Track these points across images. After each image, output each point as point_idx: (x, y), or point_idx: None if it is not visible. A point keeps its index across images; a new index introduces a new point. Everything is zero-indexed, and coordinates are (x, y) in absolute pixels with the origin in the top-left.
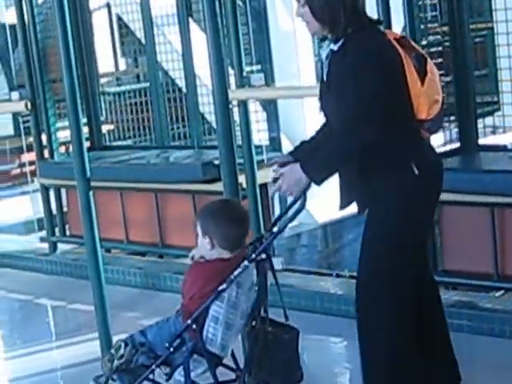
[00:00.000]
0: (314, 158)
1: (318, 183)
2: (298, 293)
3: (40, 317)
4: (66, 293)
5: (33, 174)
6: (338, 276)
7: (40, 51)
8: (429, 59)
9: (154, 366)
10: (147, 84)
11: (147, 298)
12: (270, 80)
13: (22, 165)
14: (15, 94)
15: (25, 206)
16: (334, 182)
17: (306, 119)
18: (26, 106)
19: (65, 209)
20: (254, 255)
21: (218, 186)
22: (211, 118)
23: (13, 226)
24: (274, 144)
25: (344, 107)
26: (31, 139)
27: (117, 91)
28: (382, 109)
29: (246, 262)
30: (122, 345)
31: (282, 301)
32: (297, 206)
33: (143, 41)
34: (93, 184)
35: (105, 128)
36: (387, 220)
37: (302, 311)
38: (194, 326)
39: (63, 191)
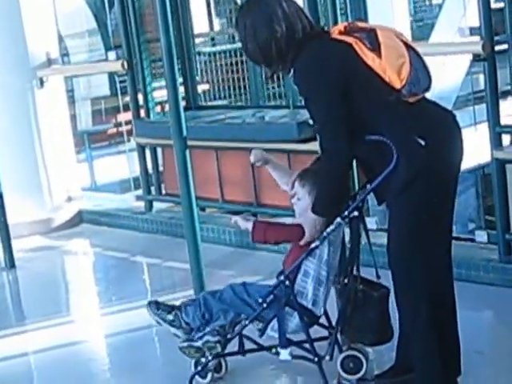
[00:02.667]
0: (317, 200)
1: (327, 216)
2: None
3: (136, 274)
4: (161, 251)
5: (129, 133)
6: None
7: (136, 11)
8: (378, 29)
9: (247, 322)
10: None
11: (241, 256)
12: None
13: (118, 124)
14: (112, 54)
15: (121, 165)
16: None
17: None
18: (123, 65)
19: (160, 168)
20: (346, 212)
21: (313, 146)
22: None
23: (109, 184)
24: None
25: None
26: (127, 99)
27: (212, 51)
28: (343, 111)
29: (338, 219)
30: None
31: (374, 259)
32: (390, 166)
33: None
34: (189, 143)
35: (200, 88)
36: (409, 204)
37: None
38: (288, 283)
39: (159, 150)
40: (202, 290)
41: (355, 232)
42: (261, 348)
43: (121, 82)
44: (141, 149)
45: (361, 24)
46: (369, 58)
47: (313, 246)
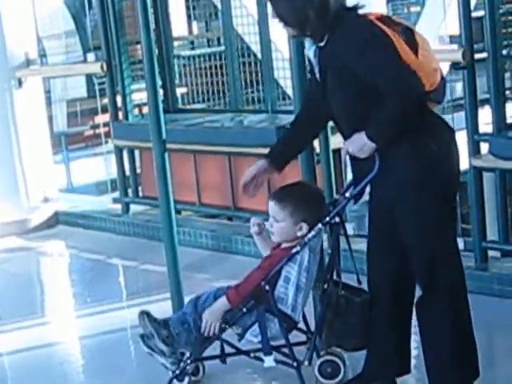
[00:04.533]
0: (376, 123)
1: (383, 146)
2: None
3: (111, 276)
4: (137, 253)
5: (106, 135)
6: None
7: (116, 13)
8: (416, 30)
9: (226, 326)
10: (222, 48)
11: (218, 260)
12: None
13: (95, 126)
14: (91, 56)
15: (98, 166)
16: None
17: None
18: (102, 67)
19: (138, 170)
20: (327, 218)
21: None
22: (285, 83)
23: (86, 186)
24: None
25: (369, 75)
26: (105, 101)
27: (190, 55)
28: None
29: (319, 225)
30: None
31: (355, 265)
32: (373, 173)
33: (218, 5)
34: (167, 146)
35: (178, 91)
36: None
37: None
38: (267, 287)
39: (137, 152)
40: (179, 293)
41: (335, 238)
42: (240, 352)
43: (99, 84)
44: (118, 151)
45: (395, 19)
46: (405, 51)
47: (293, 251)
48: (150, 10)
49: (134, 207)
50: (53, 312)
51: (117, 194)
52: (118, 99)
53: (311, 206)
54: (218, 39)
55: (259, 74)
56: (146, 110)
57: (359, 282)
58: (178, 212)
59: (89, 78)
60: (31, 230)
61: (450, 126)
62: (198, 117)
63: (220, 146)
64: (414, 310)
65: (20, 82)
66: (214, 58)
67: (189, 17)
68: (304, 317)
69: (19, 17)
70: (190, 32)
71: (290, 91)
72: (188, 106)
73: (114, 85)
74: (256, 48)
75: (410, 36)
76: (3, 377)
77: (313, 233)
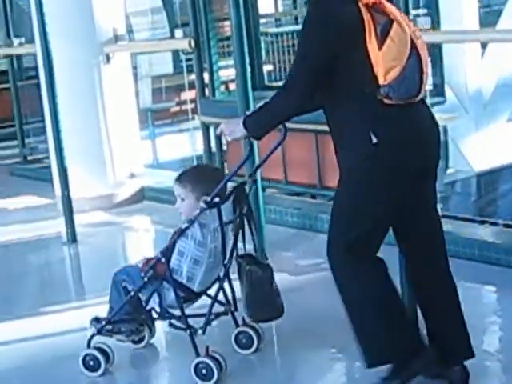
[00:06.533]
0: (254, 113)
1: (254, 137)
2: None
3: None
4: None
5: (193, 111)
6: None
7: None
8: (396, 25)
9: (132, 293)
10: None
11: (303, 238)
12: (436, 24)
13: (181, 102)
14: (179, 32)
15: (184, 143)
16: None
17: (466, 68)
18: (190, 43)
19: (224, 147)
20: (208, 198)
21: None
22: None
23: (171, 162)
24: (438, 89)
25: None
26: (192, 77)
27: (276, 32)
28: (322, 71)
29: (201, 204)
30: None
31: (255, 243)
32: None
33: None
34: None
35: (264, 69)
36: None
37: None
38: (163, 260)
39: None
40: None
41: (239, 218)
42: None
43: (186, 60)
44: (205, 127)
45: (389, 7)
46: (371, 44)
47: (182, 227)
48: None
49: None
50: None
51: None
52: (206, 76)
53: (209, 181)
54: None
55: None
56: (232, 86)
57: (266, 258)
58: (262, 189)
59: (175, 54)
60: (117, 205)
61: (418, 119)
62: None
63: (307, 124)
64: None
65: (108, 58)
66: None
67: None
68: (223, 289)
69: None
70: (276, 9)
71: None
72: (274, 84)
73: (202, 61)
74: None
75: (385, 29)
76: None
77: (197, 211)
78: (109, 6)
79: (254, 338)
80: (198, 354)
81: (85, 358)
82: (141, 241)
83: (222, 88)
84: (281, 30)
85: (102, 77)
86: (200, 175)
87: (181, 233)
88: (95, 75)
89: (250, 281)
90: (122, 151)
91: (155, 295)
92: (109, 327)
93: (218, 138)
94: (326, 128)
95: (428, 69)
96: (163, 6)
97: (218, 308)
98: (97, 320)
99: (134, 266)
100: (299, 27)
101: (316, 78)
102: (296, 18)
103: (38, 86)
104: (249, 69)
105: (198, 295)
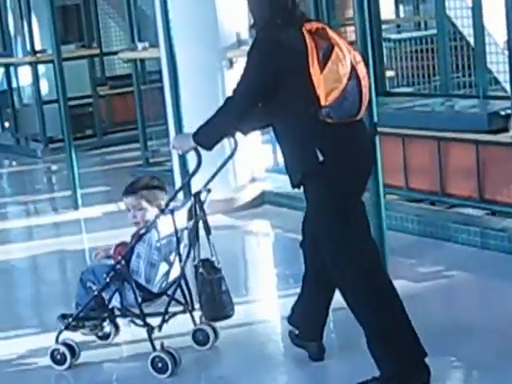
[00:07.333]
0: (202, 127)
1: (206, 148)
2: None
3: None
4: None
5: None
6: None
7: None
8: (337, 49)
9: (95, 292)
10: (433, 31)
11: (424, 245)
12: None
13: None
14: None
15: None
16: None
17: None
18: None
19: None
20: (163, 205)
21: (503, 137)
22: (497, 68)
23: None
24: None
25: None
26: None
27: (398, 38)
28: (261, 92)
29: (156, 211)
30: None
31: (211, 249)
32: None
33: None
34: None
35: (386, 74)
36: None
37: None
38: (123, 262)
39: None
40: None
41: (194, 224)
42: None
43: None
44: None
45: (331, 33)
46: (314, 67)
47: (140, 232)
48: None
49: None
50: (256, 291)
51: None
52: None
53: (158, 188)
54: (425, 23)
55: (469, 59)
56: None
57: (218, 262)
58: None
59: None
60: (238, 209)
61: (358, 135)
62: (408, 100)
63: (430, 131)
64: None
65: (231, 63)
66: (421, 42)
67: (396, 0)
68: (182, 290)
69: None
70: (397, 15)
71: (500, 76)
72: (395, 90)
73: None
74: (467, 32)
75: (327, 53)
76: (211, 352)
77: (153, 218)
78: (232, 11)
79: (211, 335)
80: (154, 349)
81: (52, 352)
82: (260, 245)
83: None
84: (403, 36)
85: (225, 81)
86: (147, 184)
87: (138, 238)
88: (218, 80)
89: (201, 283)
90: (243, 155)
91: (117, 294)
92: (74, 323)
93: None
94: (448, 135)
95: (367, 90)
96: None
97: (177, 307)
98: (63, 316)
99: (101, 264)
100: (420, 33)
101: (254, 100)
102: (418, 24)
103: (160, 89)
104: (372, 75)
105: (158, 295)
